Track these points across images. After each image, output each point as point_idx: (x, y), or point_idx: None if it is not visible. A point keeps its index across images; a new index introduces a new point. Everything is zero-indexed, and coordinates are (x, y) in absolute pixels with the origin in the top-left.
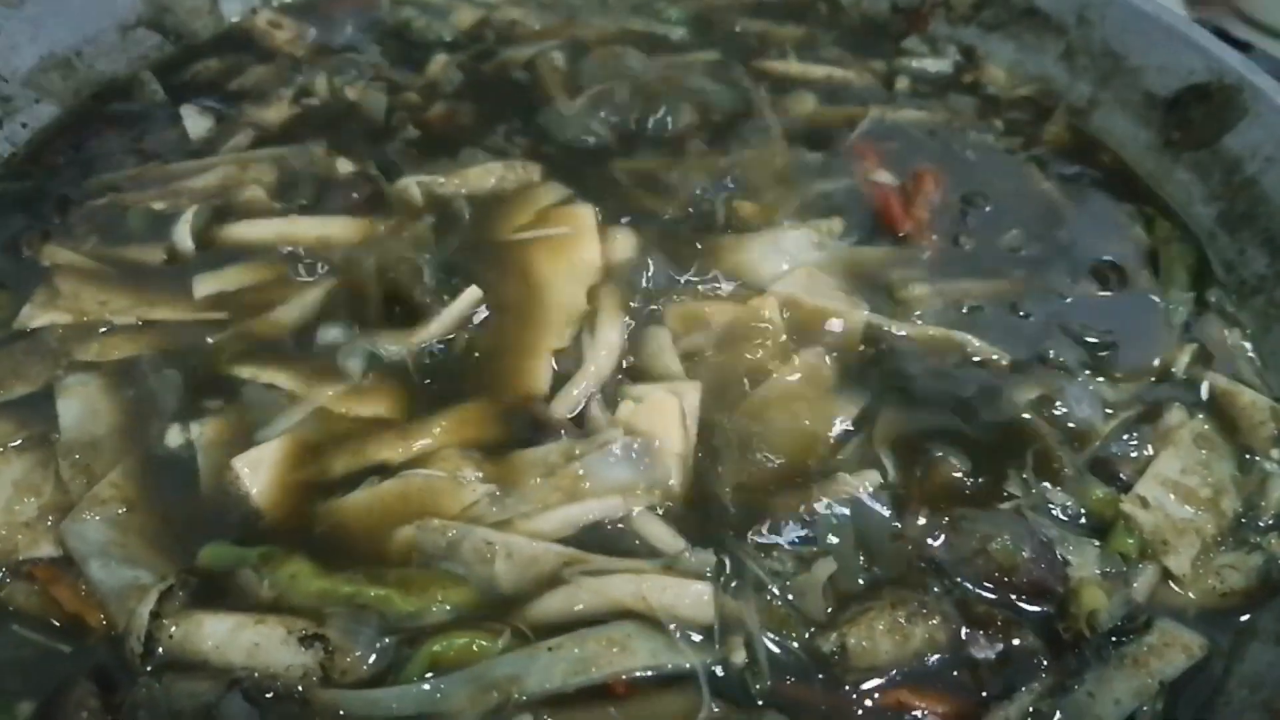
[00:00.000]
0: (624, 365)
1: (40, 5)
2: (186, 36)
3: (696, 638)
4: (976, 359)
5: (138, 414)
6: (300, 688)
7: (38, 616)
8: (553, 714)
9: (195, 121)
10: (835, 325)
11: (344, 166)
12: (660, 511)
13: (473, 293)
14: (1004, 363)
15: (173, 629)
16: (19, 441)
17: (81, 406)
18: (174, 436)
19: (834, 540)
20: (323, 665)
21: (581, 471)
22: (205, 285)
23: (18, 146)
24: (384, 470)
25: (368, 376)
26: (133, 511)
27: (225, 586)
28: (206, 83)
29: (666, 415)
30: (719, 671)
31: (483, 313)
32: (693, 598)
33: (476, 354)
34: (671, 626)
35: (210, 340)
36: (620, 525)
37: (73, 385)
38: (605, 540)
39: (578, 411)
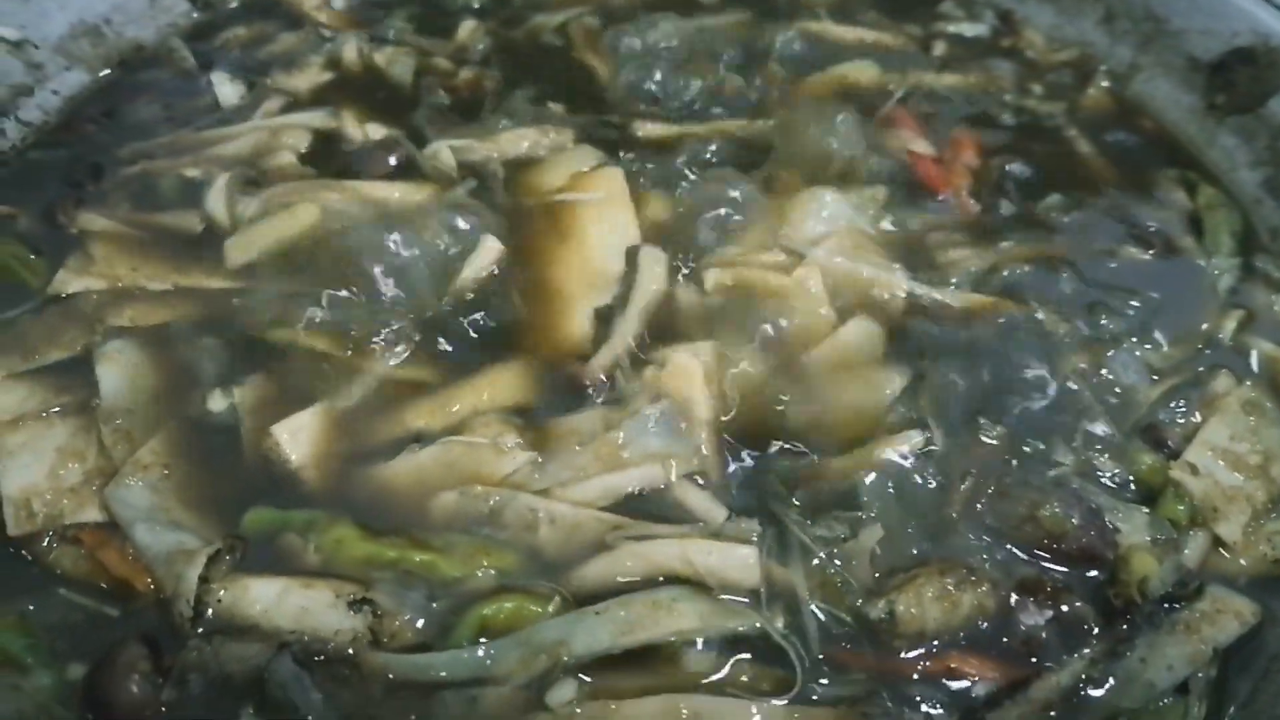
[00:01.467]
0: (658, 328)
1: None
2: (215, 3)
3: (744, 601)
4: (1021, 326)
5: (178, 380)
6: (350, 650)
7: (86, 581)
8: (598, 678)
9: (226, 89)
10: (878, 292)
11: (376, 133)
12: (700, 480)
13: (491, 243)
14: (1049, 329)
15: (221, 593)
16: (59, 407)
17: (121, 373)
18: (217, 401)
19: (880, 507)
20: (371, 629)
21: (620, 438)
22: (238, 253)
23: (50, 114)
24: (423, 437)
25: (405, 339)
26: (175, 476)
27: (271, 550)
28: (236, 50)
29: (690, 377)
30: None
31: (515, 272)
32: (738, 561)
33: (513, 316)
34: (718, 591)
35: (242, 303)
36: (662, 494)
37: (111, 351)
38: (646, 509)
39: (613, 371)
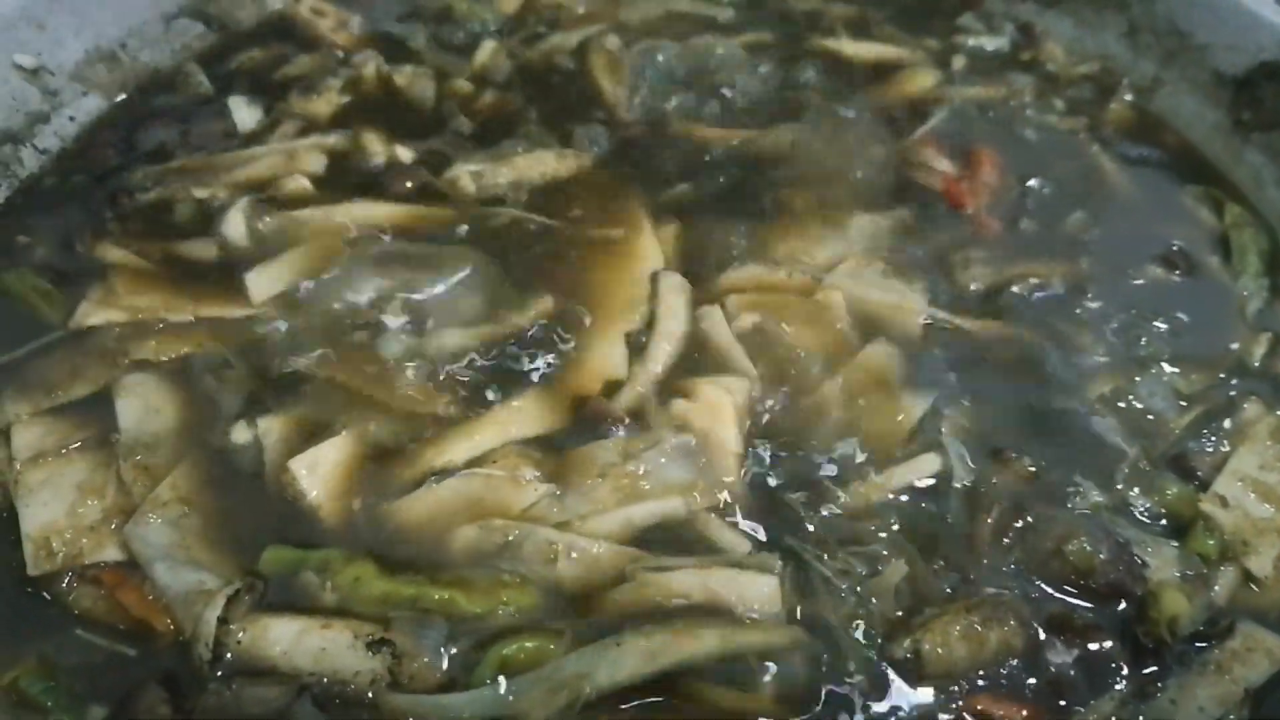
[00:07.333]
0: (684, 359)
1: None
2: (230, 25)
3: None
4: (1043, 350)
5: (198, 413)
6: (370, 693)
7: (105, 621)
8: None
9: (244, 113)
10: (898, 317)
11: (395, 156)
12: (720, 512)
13: (545, 303)
14: (1072, 353)
15: (240, 634)
16: (79, 443)
17: (141, 406)
18: (240, 433)
19: (903, 538)
20: (391, 671)
21: (640, 470)
22: (260, 285)
23: (66, 141)
24: (444, 470)
25: (429, 372)
26: (194, 513)
27: (290, 589)
28: (252, 73)
29: (720, 412)
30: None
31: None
32: (759, 591)
33: (537, 350)
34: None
35: (263, 334)
36: (682, 527)
37: (131, 384)
38: (667, 542)
39: (638, 405)
